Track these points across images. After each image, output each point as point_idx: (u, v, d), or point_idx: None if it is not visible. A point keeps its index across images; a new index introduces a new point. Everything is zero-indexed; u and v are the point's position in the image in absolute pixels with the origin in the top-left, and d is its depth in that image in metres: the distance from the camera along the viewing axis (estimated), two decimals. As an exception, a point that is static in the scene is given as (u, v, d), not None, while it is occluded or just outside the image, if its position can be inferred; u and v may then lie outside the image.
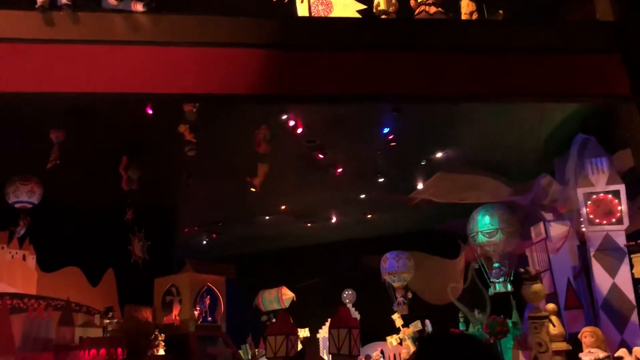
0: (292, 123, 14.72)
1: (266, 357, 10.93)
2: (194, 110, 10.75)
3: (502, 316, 15.01)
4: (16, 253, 16.45)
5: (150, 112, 13.42)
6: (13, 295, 15.79)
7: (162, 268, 17.99)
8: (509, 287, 16.48)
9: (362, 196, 20.61)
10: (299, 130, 15.04)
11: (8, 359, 12.45)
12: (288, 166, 17.48)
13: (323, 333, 21.22)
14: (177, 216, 21.06)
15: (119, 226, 17.33)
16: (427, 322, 18.68)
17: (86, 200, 17.63)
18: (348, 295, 23.53)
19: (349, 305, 22.60)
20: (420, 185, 17.74)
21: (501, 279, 16.43)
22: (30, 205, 14.30)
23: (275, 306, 20.95)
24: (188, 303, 16.31)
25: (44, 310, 14.28)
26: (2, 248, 16.00)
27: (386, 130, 15.65)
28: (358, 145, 16.72)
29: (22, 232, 14.81)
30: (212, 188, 18.74)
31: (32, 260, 16.83)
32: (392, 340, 19.28)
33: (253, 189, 19.16)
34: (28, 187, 14.06)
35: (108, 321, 14.22)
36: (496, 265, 16.54)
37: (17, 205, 14.19)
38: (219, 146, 15.50)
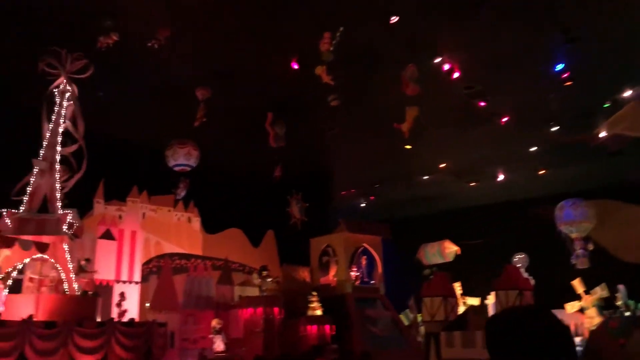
0: (446, 67, 13.24)
1: (422, 320, 9.87)
2: (331, 49, 9.87)
3: None
4: (182, 215, 17.21)
5: (296, 66, 12.91)
6: (181, 256, 16.56)
7: (320, 229, 17.78)
8: None
9: (533, 149, 18.32)
10: (455, 75, 13.47)
11: (174, 315, 12.89)
12: (445, 119, 15.99)
13: (492, 299, 19.55)
14: (334, 178, 20.68)
15: (278, 189, 17.36)
16: (621, 287, 15.97)
17: (245, 164, 17.88)
18: (520, 259, 21.36)
19: (522, 271, 20.55)
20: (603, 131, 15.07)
21: None
22: (188, 168, 14.67)
23: (438, 260, 19.60)
24: (344, 263, 15.88)
25: (204, 269, 14.63)
26: (169, 211, 16.80)
27: (560, 67, 13.38)
28: (526, 88, 14.60)
29: (183, 194, 15.32)
30: (367, 149, 17.94)
31: (196, 222, 17.52)
32: (572, 306, 17.04)
33: (408, 147, 18.07)
34: (185, 150, 14.38)
35: (263, 280, 14.16)
36: None
37: (176, 168, 14.62)
38: (370, 102, 14.59)
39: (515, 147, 18.03)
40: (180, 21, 10.95)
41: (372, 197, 23.45)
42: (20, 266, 10.73)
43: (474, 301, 18.86)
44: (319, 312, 14.43)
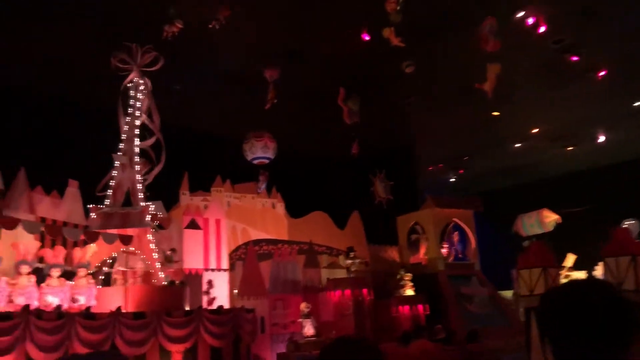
0: (531, 21, 12.13)
1: (520, 295, 9.05)
2: (398, 8, 9.18)
3: None
4: (266, 202, 17.15)
5: (367, 37, 12.34)
6: (268, 241, 16.52)
7: (407, 207, 17.18)
8: None
9: (637, 103, 16.67)
10: (542, 30, 12.31)
11: (262, 300, 12.82)
12: (534, 79, 14.83)
13: (599, 270, 18.03)
14: (418, 154, 19.90)
15: (360, 168, 16.93)
16: None
17: (324, 145, 17.55)
18: (630, 226, 19.62)
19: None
20: None
21: None
22: (267, 161, 14.57)
23: (537, 230, 18.26)
24: (434, 240, 15.21)
25: (289, 254, 14.47)
26: (253, 198, 16.77)
27: (663, 6, 11.89)
28: (624, 36, 13.13)
29: (263, 187, 15.35)
30: (451, 118, 17.04)
31: (281, 207, 17.41)
32: None
33: (496, 113, 16.96)
34: (262, 143, 14.26)
35: (350, 262, 13.80)
36: None
37: (255, 162, 14.56)
38: (448, 65, 13.71)
39: (616, 104, 16.49)
40: (243, 2, 10.69)
41: (461, 171, 22.45)
42: (109, 260, 11.01)
43: (580, 274, 17.49)
44: (410, 292, 13.90)
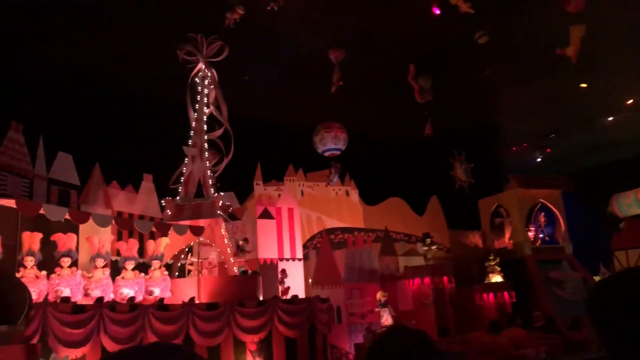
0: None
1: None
2: (465, -30, 8.48)
3: None
4: (339, 190, 16.81)
5: (438, 11, 11.66)
6: (343, 230, 16.19)
7: (490, 189, 16.28)
8: None
9: None
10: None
11: (338, 289, 12.52)
12: (626, 45, 13.52)
13: None
14: (500, 133, 18.82)
15: (438, 151, 16.19)
16: None
17: (397, 129, 16.96)
18: None
19: None
20: None
21: None
22: (338, 152, 14.32)
23: (636, 210, 16.75)
24: (519, 223, 14.28)
25: (363, 242, 14.06)
26: (326, 186, 16.46)
27: None
28: None
29: (335, 179, 15.11)
30: (534, 93, 15.94)
31: (355, 195, 17.02)
32: None
33: (583, 85, 15.68)
34: (332, 134, 14.02)
35: (426, 248, 13.19)
36: None
37: (326, 154, 14.37)
38: (526, 33, 12.73)
39: None
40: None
41: (548, 150, 21.06)
42: (184, 253, 11.07)
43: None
44: (498, 278, 13.10)
